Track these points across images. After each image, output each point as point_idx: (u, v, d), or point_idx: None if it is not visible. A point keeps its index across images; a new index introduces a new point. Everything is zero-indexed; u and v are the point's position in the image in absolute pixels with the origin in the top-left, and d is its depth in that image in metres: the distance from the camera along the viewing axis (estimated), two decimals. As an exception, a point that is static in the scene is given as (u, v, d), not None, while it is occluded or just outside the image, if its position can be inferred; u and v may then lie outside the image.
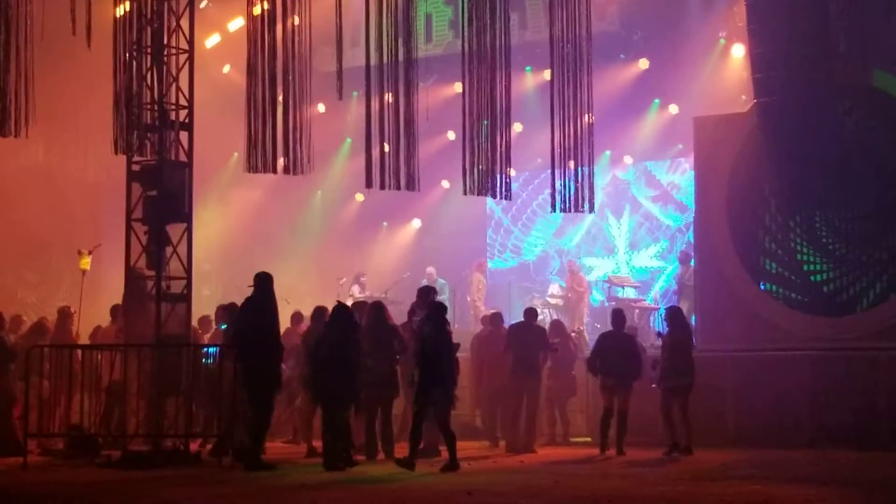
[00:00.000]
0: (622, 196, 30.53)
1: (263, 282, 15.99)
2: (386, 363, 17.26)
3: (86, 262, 20.46)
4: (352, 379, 15.59)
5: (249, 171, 17.86)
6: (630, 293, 27.27)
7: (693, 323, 21.39)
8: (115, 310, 19.72)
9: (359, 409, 16.39)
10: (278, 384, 15.96)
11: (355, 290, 28.35)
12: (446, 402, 15.45)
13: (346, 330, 15.80)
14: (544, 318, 26.13)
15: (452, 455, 15.10)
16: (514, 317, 22.74)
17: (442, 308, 16.22)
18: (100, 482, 13.46)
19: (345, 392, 15.54)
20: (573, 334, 22.32)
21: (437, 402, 15.34)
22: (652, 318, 26.04)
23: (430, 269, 28.56)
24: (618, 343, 18.27)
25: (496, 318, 20.44)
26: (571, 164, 18.61)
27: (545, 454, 17.47)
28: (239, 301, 17.16)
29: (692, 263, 24.02)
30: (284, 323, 21.13)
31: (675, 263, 27.89)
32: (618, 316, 18.84)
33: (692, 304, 22.71)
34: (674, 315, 18.67)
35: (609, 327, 19.12)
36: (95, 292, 20.57)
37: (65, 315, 20.04)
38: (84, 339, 19.44)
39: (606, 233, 30.58)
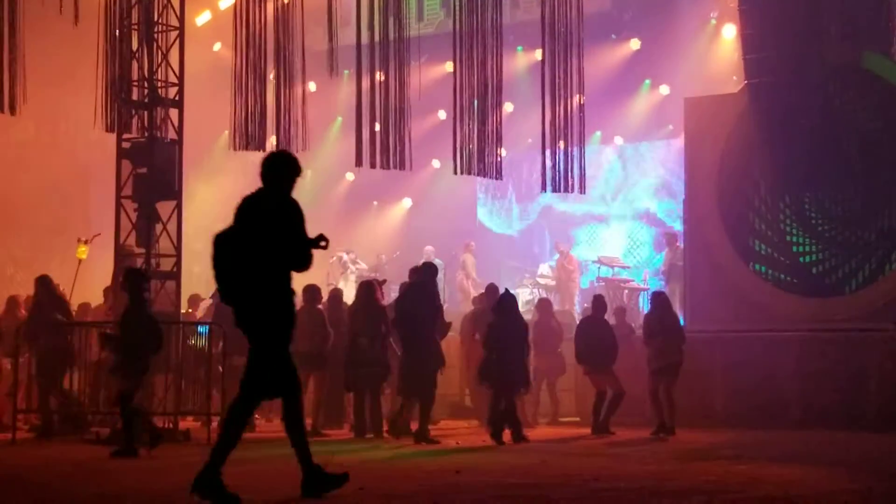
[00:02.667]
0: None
1: (429, 271, 17.31)
2: (376, 342, 17.31)
3: (83, 251, 20.42)
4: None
5: (234, 149, 17.88)
6: (620, 273, 27.30)
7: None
8: (107, 291, 19.74)
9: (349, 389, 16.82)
10: (443, 362, 16.95)
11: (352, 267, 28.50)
12: (131, 376, 14.44)
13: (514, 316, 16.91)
14: (534, 298, 26.19)
15: (129, 438, 14.11)
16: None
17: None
18: (88, 459, 13.47)
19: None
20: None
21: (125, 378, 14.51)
22: (642, 299, 26.08)
23: (429, 248, 28.67)
24: (593, 329, 18.32)
25: (479, 301, 20.40)
26: (562, 143, 18.62)
27: (534, 433, 17.50)
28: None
29: (680, 244, 24.08)
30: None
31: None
32: (598, 301, 18.89)
33: (680, 285, 22.75)
34: (662, 300, 18.73)
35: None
36: (84, 269, 20.54)
37: (53, 293, 20.03)
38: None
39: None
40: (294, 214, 9.49)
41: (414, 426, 16.60)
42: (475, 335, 18.92)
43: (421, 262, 26.39)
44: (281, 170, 9.70)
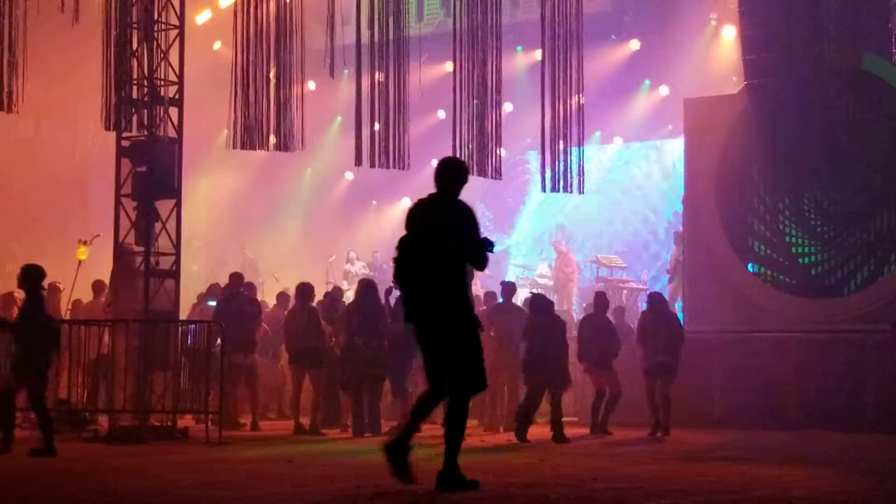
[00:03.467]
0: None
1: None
2: (374, 342, 17.33)
3: (83, 252, 20.39)
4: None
5: (234, 148, 17.88)
6: (618, 274, 27.31)
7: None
8: (96, 285, 19.75)
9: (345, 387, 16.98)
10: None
11: (354, 267, 28.46)
12: (31, 376, 14.11)
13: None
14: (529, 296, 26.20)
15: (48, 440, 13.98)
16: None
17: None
18: (86, 456, 13.48)
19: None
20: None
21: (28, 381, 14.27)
22: (640, 299, 26.08)
23: None
24: (596, 327, 18.33)
25: (489, 298, 20.39)
26: (561, 144, 18.62)
27: (532, 433, 17.50)
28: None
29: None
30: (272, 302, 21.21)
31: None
32: (600, 299, 18.88)
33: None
34: (656, 301, 18.79)
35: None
36: (83, 267, 20.56)
37: (52, 290, 20.04)
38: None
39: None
40: (469, 216, 10.03)
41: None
42: (491, 332, 18.89)
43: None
44: (452, 176, 10.22)
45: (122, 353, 16.43)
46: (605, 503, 9.61)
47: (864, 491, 10.53)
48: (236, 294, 18.86)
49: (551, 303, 17.93)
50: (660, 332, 17.90)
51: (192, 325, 17.71)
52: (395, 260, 10.20)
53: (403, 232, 10.11)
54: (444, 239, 9.90)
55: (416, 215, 10.16)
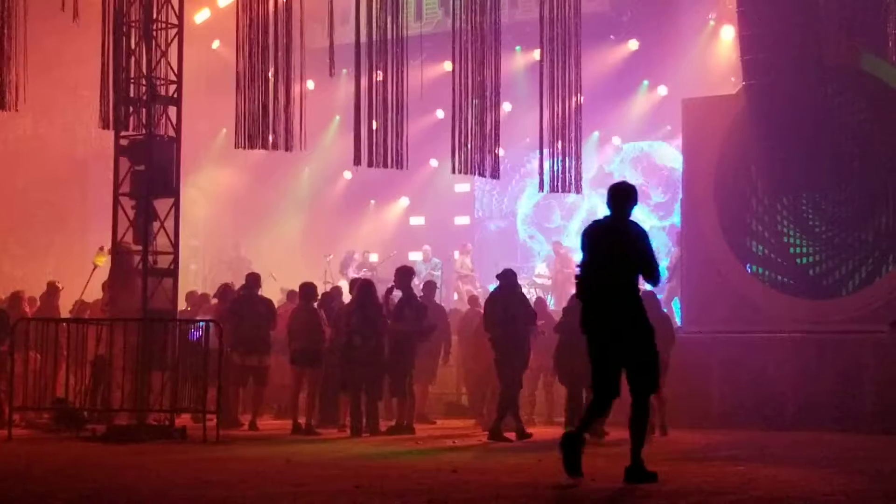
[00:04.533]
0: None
1: (512, 276, 17.57)
2: (373, 342, 17.33)
3: (101, 259, 20.40)
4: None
5: (236, 147, 17.88)
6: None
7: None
8: (105, 286, 19.76)
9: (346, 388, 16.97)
10: (526, 364, 17.11)
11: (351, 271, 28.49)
12: None
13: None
14: (531, 297, 26.18)
15: None
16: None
17: None
18: (83, 456, 13.48)
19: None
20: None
21: None
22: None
23: (427, 248, 28.78)
24: None
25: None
26: (560, 144, 18.62)
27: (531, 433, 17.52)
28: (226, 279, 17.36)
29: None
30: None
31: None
32: None
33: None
34: (650, 299, 18.77)
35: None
36: (82, 265, 20.57)
37: (52, 289, 20.07)
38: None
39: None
40: (644, 236, 11.07)
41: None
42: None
43: (422, 260, 26.54)
44: (624, 199, 11.22)
45: (120, 351, 16.42)
46: (603, 503, 9.62)
47: (862, 491, 10.54)
48: (251, 295, 18.88)
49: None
50: (657, 331, 17.86)
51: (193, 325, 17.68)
52: (578, 279, 11.19)
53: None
54: (624, 257, 10.84)
55: (595, 237, 11.12)
